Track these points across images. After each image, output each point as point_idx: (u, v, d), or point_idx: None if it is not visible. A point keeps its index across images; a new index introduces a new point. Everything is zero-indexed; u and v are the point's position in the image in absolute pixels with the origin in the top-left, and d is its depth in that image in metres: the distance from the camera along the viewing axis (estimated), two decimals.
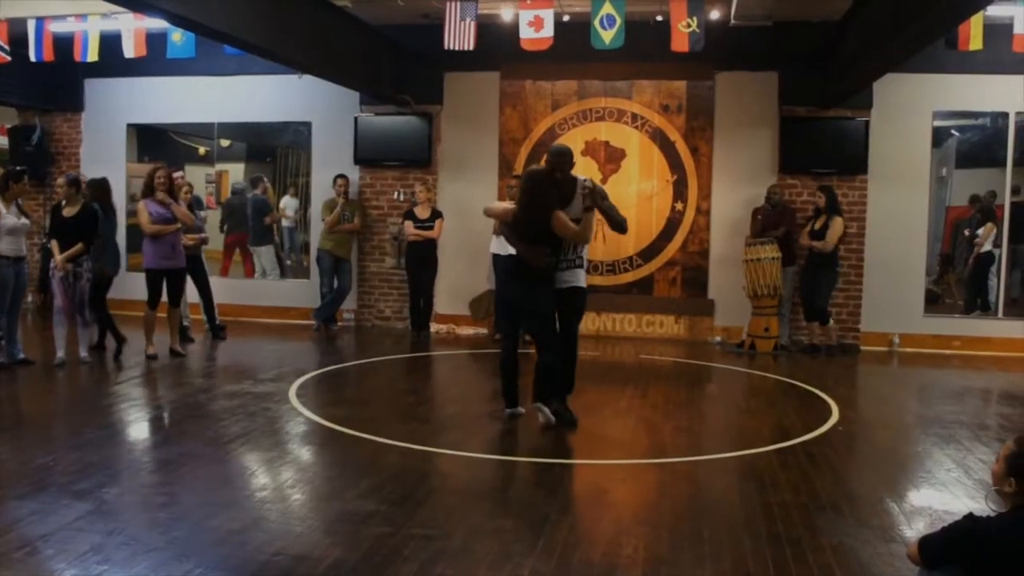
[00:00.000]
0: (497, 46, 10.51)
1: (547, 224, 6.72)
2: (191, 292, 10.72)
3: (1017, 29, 9.31)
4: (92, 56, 11.06)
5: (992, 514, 3.31)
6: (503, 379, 7.16)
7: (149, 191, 9.51)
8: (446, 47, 9.85)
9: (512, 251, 7.09)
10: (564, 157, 7.00)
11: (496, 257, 11.19)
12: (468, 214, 11.87)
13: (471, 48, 9.85)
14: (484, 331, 11.97)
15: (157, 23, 9.76)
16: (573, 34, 9.97)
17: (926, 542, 3.44)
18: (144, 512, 4.91)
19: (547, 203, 6.74)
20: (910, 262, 11.54)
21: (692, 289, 11.96)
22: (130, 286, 11.32)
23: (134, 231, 11.34)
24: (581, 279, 7.19)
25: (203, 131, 13.52)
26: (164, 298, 9.67)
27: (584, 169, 11.61)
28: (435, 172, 12.33)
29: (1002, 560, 3.12)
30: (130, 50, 10.88)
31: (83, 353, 9.13)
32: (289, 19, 9.09)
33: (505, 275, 7.11)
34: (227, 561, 4.20)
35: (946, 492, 5.66)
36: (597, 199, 6.75)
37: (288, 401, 7.72)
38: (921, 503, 5.50)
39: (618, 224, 7.19)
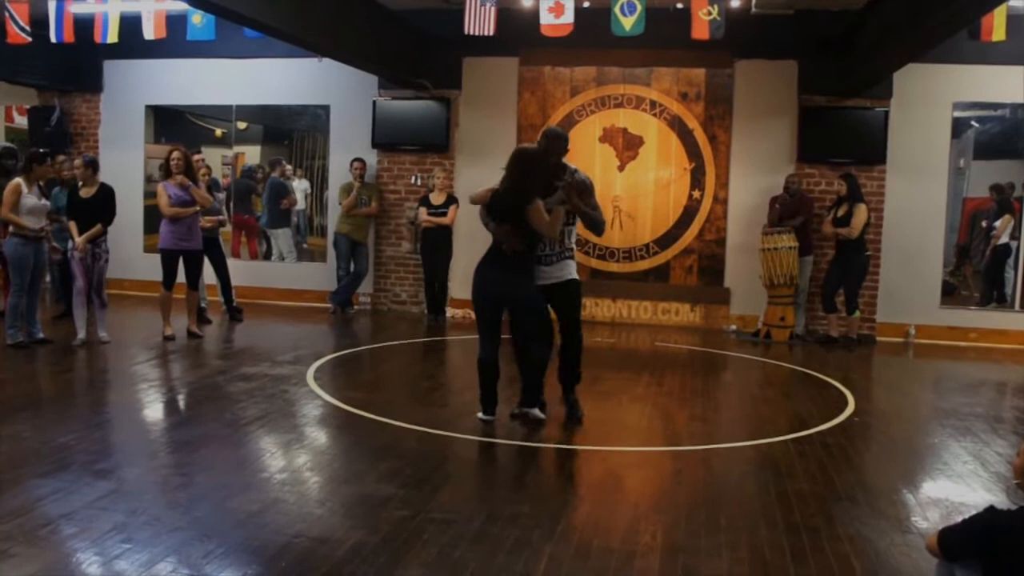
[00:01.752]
0: (517, 31, 10.49)
1: (523, 209, 6.27)
2: (208, 274, 10.76)
3: None
4: (112, 37, 11.05)
5: (1013, 508, 3.32)
6: (481, 381, 6.67)
7: (167, 173, 9.54)
8: (466, 32, 9.82)
9: None
10: (559, 141, 6.62)
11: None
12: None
13: (491, 33, 9.82)
14: None
15: (177, 5, 9.76)
16: (593, 20, 9.93)
17: (946, 534, 3.44)
18: (164, 493, 4.95)
19: (531, 187, 6.32)
20: (927, 253, 11.51)
21: (708, 277, 11.95)
22: (148, 267, 11.37)
23: (151, 212, 11.39)
24: (572, 271, 6.72)
25: (221, 113, 13.55)
26: (182, 279, 9.71)
27: (602, 156, 11.66)
28: (452, 157, 12.33)
29: (1021, 554, 3.12)
30: (150, 32, 10.88)
31: (102, 333, 9.18)
32: (309, 3, 9.09)
33: (482, 266, 6.56)
34: (248, 542, 4.23)
35: (962, 484, 5.66)
36: (571, 195, 6.35)
37: (306, 384, 7.76)
38: (937, 495, 5.50)
39: (593, 224, 6.63)
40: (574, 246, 6.80)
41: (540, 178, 6.38)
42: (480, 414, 6.70)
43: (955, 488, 5.60)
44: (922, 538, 3.75)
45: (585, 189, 6.53)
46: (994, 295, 11.94)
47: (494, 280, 6.48)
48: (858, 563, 4.24)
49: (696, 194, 11.85)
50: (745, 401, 8.38)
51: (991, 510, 3.34)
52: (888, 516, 4.95)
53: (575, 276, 6.75)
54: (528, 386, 6.67)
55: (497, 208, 6.41)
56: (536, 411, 6.68)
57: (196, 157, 10.52)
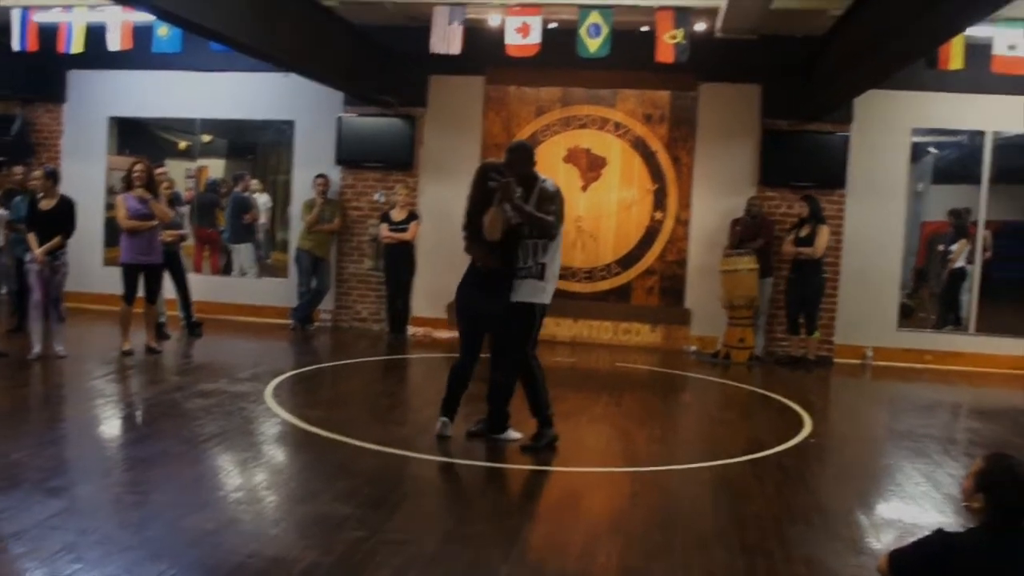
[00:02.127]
0: (483, 51, 10.55)
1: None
2: (167, 288, 10.68)
3: (996, 50, 9.43)
4: (77, 48, 11.01)
5: (962, 529, 3.36)
6: (447, 385, 6.68)
7: (128, 185, 9.46)
8: (432, 50, 9.88)
9: None
10: (516, 153, 6.56)
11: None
12: (448, 217, 11.81)
13: (457, 52, 9.89)
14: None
15: (144, 16, 9.73)
16: (559, 41, 10.01)
17: (896, 557, 3.48)
18: (117, 511, 4.90)
19: (488, 199, 6.29)
20: (885, 276, 11.65)
21: (669, 298, 12.01)
22: (108, 281, 11.27)
23: (112, 224, 11.30)
24: (535, 293, 6.44)
25: (185, 126, 13.49)
26: (141, 293, 9.63)
27: (566, 176, 11.69)
28: (416, 175, 12.33)
29: (970, 574, 3.17)
30: (116, 43, 10.85)
31: (58, 347, 9.07)
32: (276, 18, 9.08)
33: (462, 283, 6.61)
34: (201, 562, 4.20)
35: (915, 505, 5.74)
36: (507, 194, 6.23)
37: (264, 401, 7.71)
38: (891, 516, 5.58)
39: (535, 225, 6.37)
40: (550, 262, 6.48)
41: (490, 187, 6.35)
42: (441, 417, 6.68)
43: (908, 509, 5.68)
44: (875, 560, 3.79)
45: (546, 195, 6.43)
46: (950, 318, 12.10)
47: (469, 297, 6.53)
48: None
49: (658, 215, 11.93)
50: (703, 422, 8.44)
51: (940, 533, 3.38)
52: (843, 538, 5.01)
53: (536, 300, 6.46)
54: (490, 410, 6.66)
55: (469, 227, 6.48)
56: (508, 434, 6.66)
57: (159, 170, 10.44)
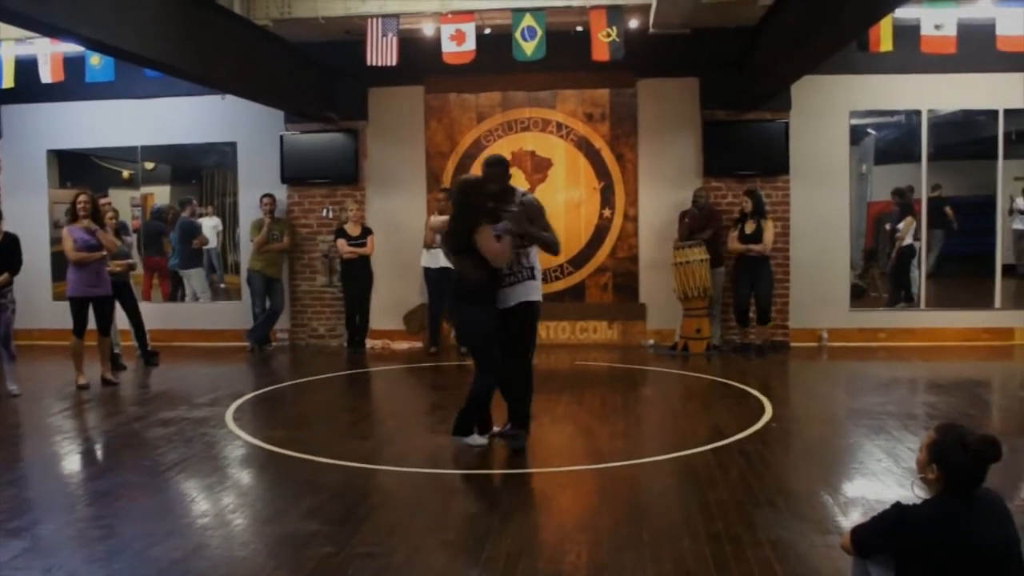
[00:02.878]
0: (420, 60, 10.57)
1: (472, 237, 6.35)
2: (121, 319, 10.58)
3: (924, 31, 9.61)
4: (7, 82, 10.88)
5: (918, 501, 3.43)
6: (486, 408, 6.75)
7: (73, 217, 9.35)
8: (369, 63, 9.87)
9: (441, 265, 6.95)
10: (496, 167, 6.67)
11: (427, 271, 11.25)
12: (398, 229, 11.91)
13: (394, 63, 9.89)
14: (419, 345, 11.98)
15: (74, 47, 9.63)
16: (495, 46, 10.05)
17: (857, 532, 3.55)
18: (82, 547, 4.84)
19: (474, 215, 6.38)
20: (834, 258, 11.82)
21: (623, 294, 12.09)
22: (57, 315, 11.11)
23: (58, 259, 11.17)
24: (532, 292, 6.59)
25: (126, 154, 13.33)
26: (92, 326, 9.53)
27: (511, 179, 11.68)
28: (363, 188, 12.32)
29: (928, 545, 3.23)
30: (47, 75, 10.73)
31: (12, 386, 8.95)
32: (209, 40, 9.02)
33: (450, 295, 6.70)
34: None
35: (877, 482, 5.82)
36: (521, 222, 6.41)
37: (225, 425, 7.66)
38: (854, 494, 5.65)
39: (547, 246, 6.69)
40: (536, 264, 6.65)
41: (481, 204, 6.42)
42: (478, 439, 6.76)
43: (871, 486, 5.76)
44: (841, 537, 3.86)
45: (535, 212, 6.59)
46: (901, 295, 12.29)
47: (454, 310, 6.73)
48: (780, 567, 4.33)
49: (607, 213, 12.00)
50: (665, 415, 8.50)
51: (898, 506, 3.44)
52: (808, 519, 5.07)
53: (536, 298, 6.62)
54: (463, 412, 6.70)
55: (452, 242, 6.55)
56: (472, 438, 6.69)
57: (103, 200, 10.34)
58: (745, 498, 5.48)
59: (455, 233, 6.54)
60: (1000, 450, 3.27)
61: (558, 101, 12.03)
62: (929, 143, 11.69)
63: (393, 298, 12.12)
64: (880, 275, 12.89)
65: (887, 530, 3.41)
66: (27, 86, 11.02)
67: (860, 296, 12.27)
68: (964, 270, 12.58)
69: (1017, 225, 12.24)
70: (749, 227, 11.02)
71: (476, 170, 11.34)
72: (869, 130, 12.57)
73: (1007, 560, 3.22)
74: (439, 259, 11.00)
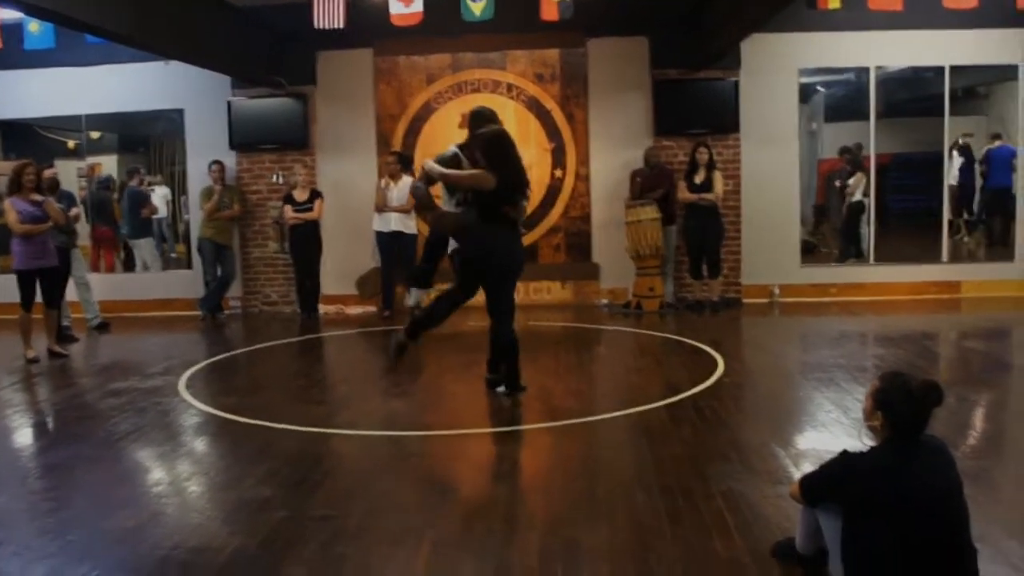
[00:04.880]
0: (368, 23, 10.45)
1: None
2: (70, 291, 10.46)
3: None
4: None
5: (865, 449, 3.49)
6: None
7: (16, 188, 9.17)
8: (316, 26, 9.75)
9: (393, 228, 6.92)
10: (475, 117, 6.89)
11: (379, 234, 11.20)
12: (349, 192, 11.84)
13: (342, 26, 9.77)
14: (373, 309, 11.95)
15: (11, 13, 9.42)
16: (443, 7, 9.94)
17: (806, 480, 3.62)
18: (34, 519, 4.80)
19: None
20: (785, 215, 11.93)
21: (576, 254, 12.13)
22: (3, 290, 10.94)
23: (3, 231, 10.97)
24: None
25: (71, 124, 13.10)
26: (40, 299, 9.40)
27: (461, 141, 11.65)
28: (313, 153, 12.22)
29: (874, 491, 3.29)
30: None
31: None
32: (151, 5, 8.85)
33: (505, 239, 6.68)
34: (125, 560, 4.15)
35: (826, 433, 5.91)
36: (433, 172, 6.62)
37: (178, 394, 7.61)
38: (805, 445, 5.73)
39: (465, 186, 6.66)
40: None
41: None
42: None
43: (820, 437, 5.85)
44: (790, 487, 3.92)
45: (480, 145, 6.62)
46: (851, 251, 12.44)
47: (520, 252, 6.79)
48: (731, 517, 4.39)
49: (558, 173, 12.01)
50: (619, 372, 8.56)
51: (844, 454, 3.51)
52: (759, 470, 5.14)
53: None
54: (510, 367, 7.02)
55: (510, 189, 6.52)
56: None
57: (48, 172, 10.16)
58: (698, 452, 5.55)
59: (518, 179, 6.69)
60: (942, 394, 3.33)
61: (508, 62, 11.98)
62: (878, 100, 11.78)
63: (345, 263, 12.06)
64: (831, 231, 13.03)
65: (834, 478, 3.47)
66: None
67: (811, 252, 12.41)
68: (912, 225, 12.74)
69: (951, 181, 12.36)
70: (699, 177, 11.06)
71: (428, 132, 11.35)
72: (818, 87, 12.64)
73: (950, 504, 3.30)
74: (391, 223, 10.99)
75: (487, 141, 6.42)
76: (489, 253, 6.54)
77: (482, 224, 6.50)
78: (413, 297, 6.91)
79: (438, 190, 7.15)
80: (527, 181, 6.77)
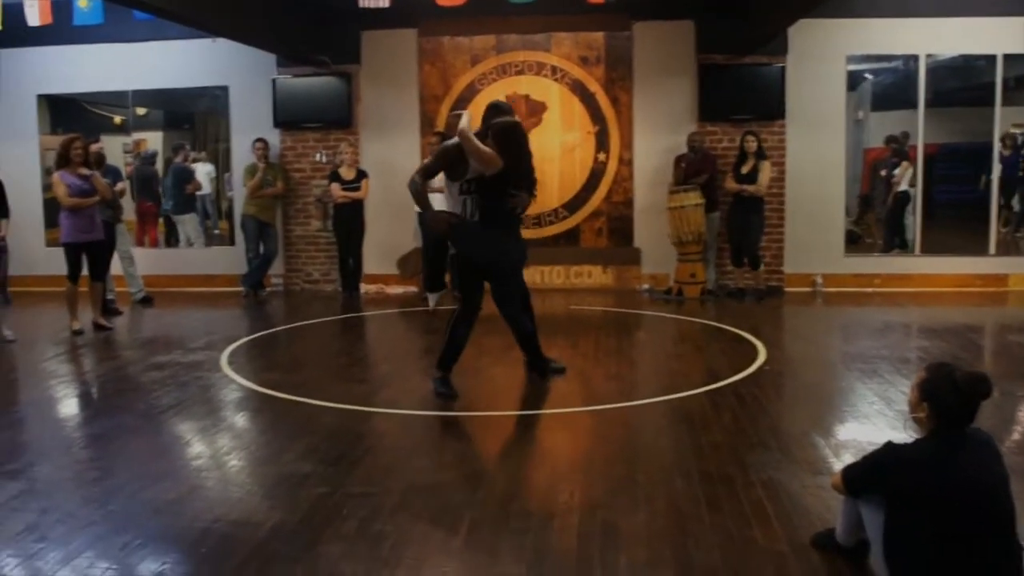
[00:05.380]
0: (413, 3, 10.44)
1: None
2: (115, 265, 10.58)
3: None
4: None
5: (910, 441, 3.45)
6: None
7: (64, 162, 9.27)
8: (361, 5, 9.75)
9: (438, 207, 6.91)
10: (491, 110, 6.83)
11: (421, 215, 11.17)
12: (392, 172, 11.83)
13: (387, 5, 9.77)
14: (414, 289, 11.97)
15: None
16: None
17: (848, 471, 3.58)
18: (78, 488, 4.86)
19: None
20: (830, 204, 11.78)
21: (618, 238, 12.08)
22: (52, 262, 11.07)
23: (51, 205, 11.10)
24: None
25: (117, 100, 13.20)
26: (86, 272, 9.52)
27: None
28: (356, 132, 12.24)
29: (919, 483, 3.25)
30: (35, 18, 10.57)
31: (6, 332, 8.95)
32: None
33: (508, 236, 6.64)
34: (166, 531, 4.20)
35: (869, 424, 5.84)
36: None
37: (219, 369, 7.68)
38: (846, 436, 5.67)
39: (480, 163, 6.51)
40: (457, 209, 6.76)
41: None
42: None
43: (862, 428, 5.78)
44: (832, 477, 3.89)
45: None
46: (896, 241, 12.29)
47: (515, 250, 6.72)
48: (771, 506, 4.36)
49: (602, 157, 11.95)
50: (659, 358, 8.53)
51: (889, 445, 3.47)
52: (799, 460, 5.09)
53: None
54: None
55: (515, 181, 6.48)
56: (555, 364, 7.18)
57: (95, 146, 10.27)
58: (738, 440, 5.51)
59: (528, 170, 6.68)
60: (990, 386, 3.28)
61: (553, 44, 11.92)
62: (927, 89, 11.60)
63: (387, 242, 12.08)
64: (875, 221, 12.88)
65: (878, 469, 3.43)
66: (15, 30, 10.86)
67: (855, 242, 12.27)
68: (959, 217, 12.56)
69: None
70: (745, 167, 10.96)
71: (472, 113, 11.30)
72: (866, 75, 12.48)
73: (996, 498, 3.25)
74: (433, 204, 10.96)
75: (500, 130, 6.39)
76: (482, 252, 6.52)
77: (476, 224, 6.48)
78: (432, 301, 6.95)
79: (439, 182, 7.16)
80: (534, 179, 6.73)
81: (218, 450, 5.54)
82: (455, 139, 6.52)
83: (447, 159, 6.50)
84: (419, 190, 6.44)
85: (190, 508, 4.47)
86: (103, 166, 10.34)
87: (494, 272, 6.60)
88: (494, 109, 6.80)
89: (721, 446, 5.36)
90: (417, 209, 10.71)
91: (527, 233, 11.69)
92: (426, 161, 6.66)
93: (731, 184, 11.05)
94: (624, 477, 4.85)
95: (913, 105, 11.68)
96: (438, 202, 7.33)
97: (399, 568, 3.76)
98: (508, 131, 6.41)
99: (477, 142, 6.32)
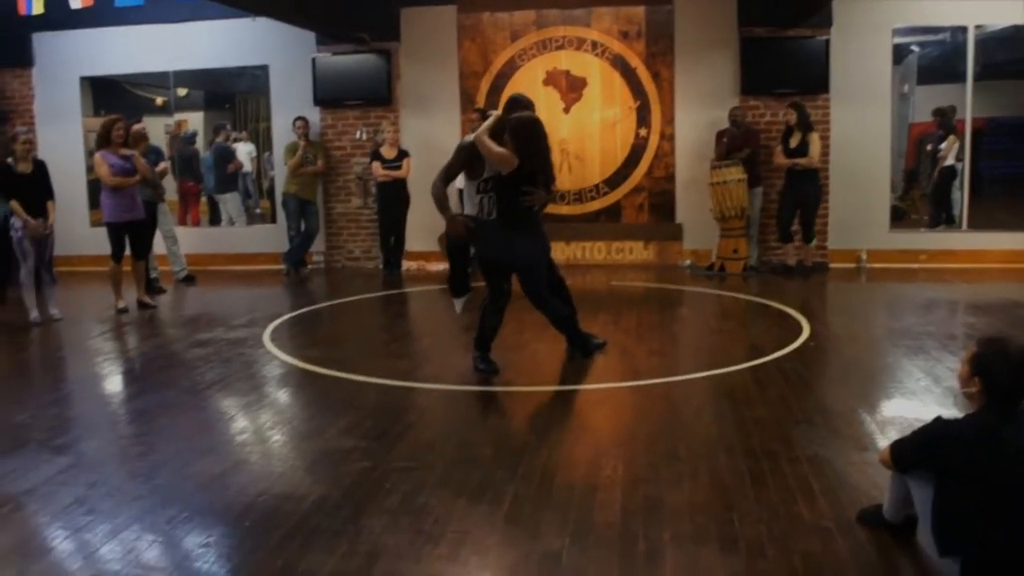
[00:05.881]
0: None
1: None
2: (158, 243, 10.68)
3: None
4: (37, 9, 10.80)
5: (961, 417, 3.39)
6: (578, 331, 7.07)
7: (104, 142, 9.34)
8: None
9: None
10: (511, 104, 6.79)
11: (462, 192, 11.16)
12: (432, 149, 11.75)
13: None
14: None
15: None
16: None
17: (897, 446, 3.53)
18: (124, 463, 4.92)
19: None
20: (875, 179, 11.61)
21: (659, 214, 11.99)
22: (95, 242, 11.17)
23: (95, 186, 11.20)
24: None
25: (159, 80, 13.28)
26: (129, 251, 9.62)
27: (547, 99, 11.60)
28: (396, 110, 12.23)
29: (970, 459, 3.20)
30: (76, 1, 10.65)
31: (53, 311, 9.05)
32: None
33: (536, 234, 6.61)
34: (212, 504, 4.23)
35: (916, 401, 5.77)
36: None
37: (262, 345, 7.73)
38: (892, 413, 5.60)
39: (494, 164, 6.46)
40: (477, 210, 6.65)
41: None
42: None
43: (909, 405, 5.71)
44: (879, 453, 3.84)
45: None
46: (942, 217, 12.07)
47: (535, 248, 6.62)
48: (816, 482, 4.32)
49: (643, 132, 11.86)
50: (702, 333, 8.47)
51: (939, 420, 3.42)
52: (845, 436, 5.04)
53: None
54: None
55: (533, 177, 6.39)
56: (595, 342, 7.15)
57: (137, 126, 10.34)
58: (782, 415, 5.46)
59: (542, 166, 6.54)
60: None
61: (593, 19, 11.82)
62: (975, 61, 11.36)
63: (428, 220, 11.98)
64: (920, 197, 12.68)
65: (928, 444, 3.38)
66: (57, 12, 10.95)
67: (900, 218, 12.08)
68: (1007, 192, 12.33)
69: None
70: (794, 140, 10.82)
71: (512, 90, 11.23)
72: (912, 47, 12.24)
73: None
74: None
75: (517, 125, 6.33)
76: (501, 252, 6.47)
77: (493, 223, 6.43)
78: (458, 306, 6.93)
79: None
80: (552, 175, 6.60)
81: (261, 425, 5.57)
82: (470, 137, 6.50)
83: (466, 158, 6.46)
84: (440, 195, 6.39)
85: (234, 482, 4.50)
86: (144, 143, 10.38)
87: (517, 269, 6.56)
88: (513, 103, 6.75)
89: (765, 422, 5.32)
90: (460, 186, 10.76)
91: (568, 209, 11.81)
92: (445, 164, 6.58)
93: (781, 159, 10.90)
94: (667, 452, 4.82)
95: (961, 78, 11.45)
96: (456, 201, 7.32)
97: (441, 542, 3.76)
98: (524, 126, 6.34)
99: (490, 143, 6.27)
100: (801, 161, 10.71)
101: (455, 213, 6.62)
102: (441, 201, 6.38)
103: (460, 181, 7.00)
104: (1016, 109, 11.92)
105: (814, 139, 10.76)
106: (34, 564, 3.66)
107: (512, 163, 6.22)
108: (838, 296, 10.28)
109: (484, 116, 11.02)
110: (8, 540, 3.88)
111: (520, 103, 6.73)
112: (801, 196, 10.88)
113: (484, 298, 6.63)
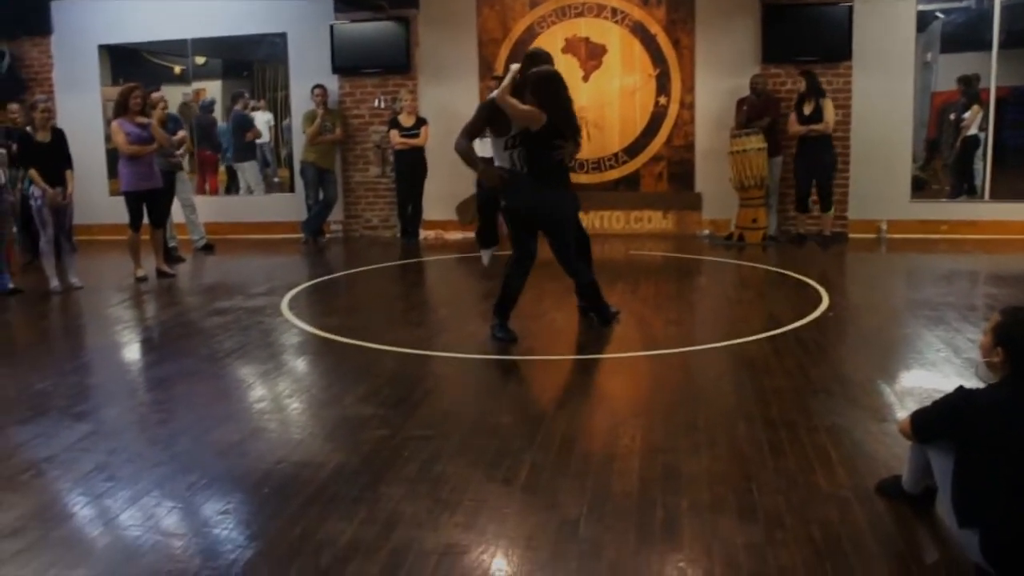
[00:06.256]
0: None
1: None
2: (176, 212, 10.71)
3: None
4: None
5: (983, 387, 3.36)
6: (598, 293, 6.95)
7: (122, 110, 9.34)
8: None
9: (491, 153, 6.84)
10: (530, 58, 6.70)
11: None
12: (451, 117, 11.68)
13: None
14: (472, 235, 11.94)
15: None
16: None
17: (918, 416, 3.50)
18: (144, 430, 4.95)
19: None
20: (896, 148, 11.48)
21: (678, 183, 11.93)
22: (114, 211, 11.20)
23: (114, 155, 11.21)
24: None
25: (177, 49, 13.28)
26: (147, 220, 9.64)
27: (566, 67, 11.48)
28: (415, 77, 12.18)
29: (992, 430, 3.17)
30: None
31: (73, 279, 9.10)
32: None
33: (562, 188, 6.57)
34: (231, 471, 4.25)
35: (936, 372, 5.72)
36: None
37: (281, 314, 7.74)
38: (911, 383, 5.56)
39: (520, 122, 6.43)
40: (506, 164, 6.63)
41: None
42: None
43: (929, 376, 5.66)
44: (899, 423, 3.81)
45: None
46: (964, 187, 11.95)
47: (565, 202, 6.59)
48: (835, 452, 4.30)
49: (662, 100, 11.77)
50: (720, 303, 8.44)
51: (960, 389, 3.38)
52: (864, 406, 5.02)
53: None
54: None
55: (561, 131, 6.37)
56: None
57: (156, 95, 10.33)
58: (801, 385, 5.44)
59: (569, 120, 6.51)
60: None
61: None
62: (1001, 29, 11.19)
63: (446, 188, 12.04)
64: (942, 167, 12.54)
65: (950, 414, 3.34)
66: None
67: (921, 188, 11.96)
68: None
69: None
70: (808, 107, 10.73)
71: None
72: (937, 14, 12.07)
73: None
74: (488, 148, 10.94)
75: (538, 80, 6.28)
76: (533, 205, 6.42)
77: (527, 177, 6.40)
78: (486, 257, 6.94)
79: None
80: (577, 126, 6.56)
81: (279, 393, 5.59)
82: (492, 95, 6.46)
83: (488, 116, 6.42)
84: (466, 150, 6.35)
85: (253, 449, 4.52)
86: (165, 110, 10.38)
87: (549, 224, 6.52)
88: (533, 58, 6.69)
89: (784, 391, 5.29)
90: (479, 153, 10.74)
91: (586, 178, 11.75)
92: (468, 122, 6.54)
93: (795, 127, 10.81)
94: (685, 421, 4.80)
95: (986, 46, 11.29)
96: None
97: (459, 510, 3.76)
98: (545, 80, 6.30)
99: (514, 101, 6.23)
100: (817, 127, 10.62)
101: (487, 166, 6.60)
102: (469, 154, 6.35)
103: (486, 149, 6.97)
104: None
105: (828, 105, 10.67)
106: (55, 530, 3.69)
107: (540, 119, 6.20)
108: (857, 266, 10.21)
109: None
110: (29, 506, 3.91)
111: (539, 57, 6.68)
112: (816, 164, 10.80)
113: (508, 261, 6.61)
